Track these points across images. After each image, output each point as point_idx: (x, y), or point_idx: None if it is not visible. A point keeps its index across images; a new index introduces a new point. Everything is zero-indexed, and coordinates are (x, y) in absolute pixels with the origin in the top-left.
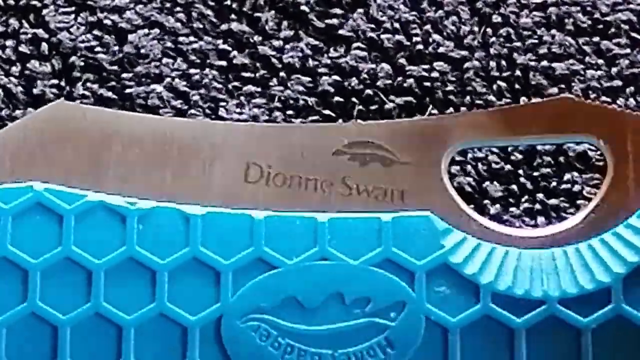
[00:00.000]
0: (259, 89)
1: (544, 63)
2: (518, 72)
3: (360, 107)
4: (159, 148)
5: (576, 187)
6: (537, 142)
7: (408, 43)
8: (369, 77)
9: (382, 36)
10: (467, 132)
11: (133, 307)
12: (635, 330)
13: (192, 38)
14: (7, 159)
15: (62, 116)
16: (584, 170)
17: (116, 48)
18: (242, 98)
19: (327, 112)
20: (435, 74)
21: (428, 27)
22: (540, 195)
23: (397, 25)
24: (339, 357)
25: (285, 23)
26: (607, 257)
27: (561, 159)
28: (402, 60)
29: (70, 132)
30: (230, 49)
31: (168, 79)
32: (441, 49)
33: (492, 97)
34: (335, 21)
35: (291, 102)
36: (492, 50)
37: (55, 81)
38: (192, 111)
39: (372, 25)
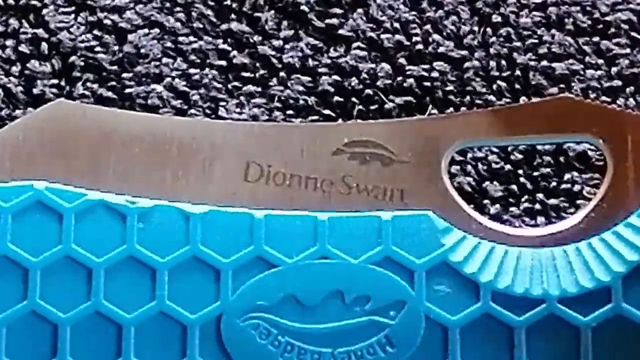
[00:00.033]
0: (258, 89)
1: (544, 63)
2: (518, 72)
3: (360, 107)
4: (158, 147)
5: (576, 187)
6: (537, 142)
7: (408, 43)
8: (368, 77)
9: (382, 36)
10: (467, 131)
11: (133, 306)
12: (635, 329)
13: (192, 38)
14: (7, 159)
15: (62, 115)
16: (583, 170)
17: (116, 48)
18: (242, 98)
19: (327, 111)
20: (435, 74)
21: (428, 27)
22: (540, 195)
23: (397, 25)
24: (338, 356)
25: (285, 23)
26: (607, 256)
27: (561, 158)
28: (402, 60)
29: (70, 132)
30: (230, 48)
31: (168, 79)
32: (441, 49)
33: (492, 97)
34: (335, 21)
35: (291, 102)
36: (492, 50)
37: (55, 81)
38: (192, 111)
39: (372, 25)
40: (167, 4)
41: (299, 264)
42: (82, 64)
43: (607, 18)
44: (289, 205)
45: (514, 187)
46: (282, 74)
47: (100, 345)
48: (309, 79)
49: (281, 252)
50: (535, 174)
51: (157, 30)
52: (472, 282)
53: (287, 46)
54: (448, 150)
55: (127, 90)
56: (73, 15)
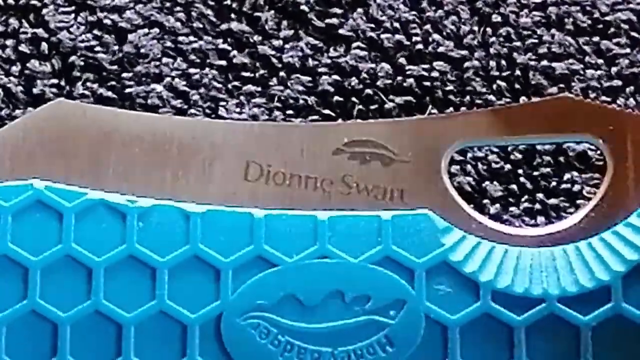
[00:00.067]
0: (258, 89)
1: (544, 63)
2: (518, 72)
3: (360, 106)
4: (158, 147)
5: (576, 187)
6: (537, 142)
7: (408, 43)
8: (368, 76)
9: (382, 36)
10: (467, 131)
11: (133, 305)
12: (634, 328)
13: (191, 38)
14: (7, 158)
15: (62, 115)
16: (583, 170)
17: (116, 48)
18: (241, 98)
19: (327, 111)
20: (435, 74)
21: (428, 26)
22: (540, 195)
23: (397, 24)
24: (338, 355)
25: (285, 23)
26: (607, 255)
27: (561, 158)
28: (402, 60)
29: (70, 131)
30: (230, 48)
31: (168, 79)
32: (441, 49)
33: (491, 97)
34: (335, 21)
35: (291, 101)
36: (491, 50)
37: (55, 81)
38: (192, 111)
39: (372, 25)
40: (167, 4)
41: (299, 263)
42: (82, 63)
43: (607, 18)
44: (289, 205)
45: (514, 186)
46: (282, 73)
47: (100, 344)
48: (309, 78)
49: (281, 252)
50: (535, 173)
51: (157, 30)
52: (472, 281)
53: (287, 46)
54: (448, 150)
55: (127, 90)
56: (73, 15)
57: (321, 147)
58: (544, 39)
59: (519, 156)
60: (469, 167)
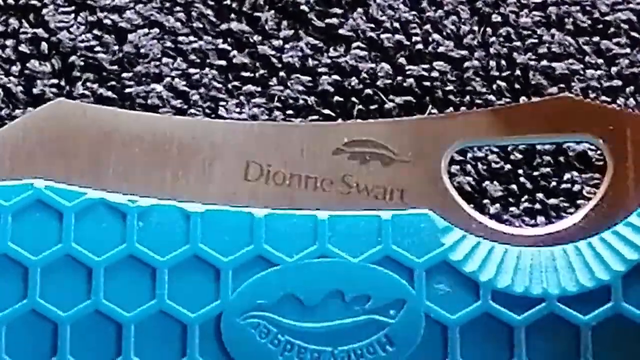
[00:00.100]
0: (258, 89)
1: (544, 62)
2: (518, 72)
3: (360, 106)
4: (158, 147)
5: (576, 187)
6: (537, 142)
7: (408, 43)
8: (368, 76)
9: (382, 36)
10: (467, 131)
11: (133, 304)
12: (634, 328)
13: (191, 37)
14: (7, 158)
15: (62, 114)
16: (583, 169)
17: (116, 47)
18: (241, 97)
19: (326, 111)
20: (435, 74)
21: (428, 26)
22: (540, 195)
23: (396, 24)
24: (338, 355)
25: (285, 22)
26: (607, 255)
27: (561, 158)
28: (402, 60)
29: (70, 131)
30: (230, 48)
31: (168, 79)
32: (441, 49)
33: (491, 97)
34: (335, 21)
35: (291, 101)
36: (491, 50)
37: (55, 81)
38: (192, 111)
39: (372, 25)
40: (167, 4)
41: (299, 262)
42: (82, 63)
43: (607, 18)
44: (289, 204)
45: (514, 186)
46: (282, 73)
47: (100, 344)
48: (308, 78)
49: (281, 251)
50: (535, 173)
51: (157, 30)
52: (472, 281)
53: (287, 46)
54: (448, 149)
55: (127, 90)
56: (73, 15)
57: (321, 147)
58: (544, 39)
59: (519, 156)
60: (469, 167)
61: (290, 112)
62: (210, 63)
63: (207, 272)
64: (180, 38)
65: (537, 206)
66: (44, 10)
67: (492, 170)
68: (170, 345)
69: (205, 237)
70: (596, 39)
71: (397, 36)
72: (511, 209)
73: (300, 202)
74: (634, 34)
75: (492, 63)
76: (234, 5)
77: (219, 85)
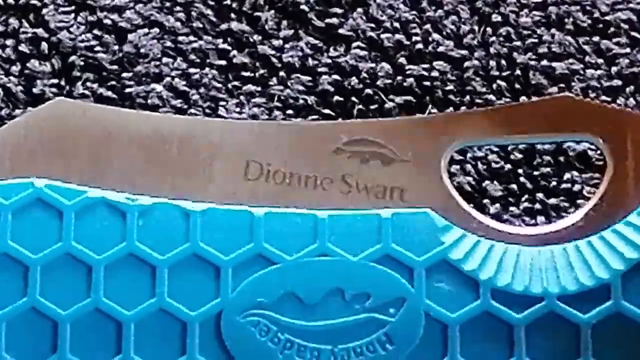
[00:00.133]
0: (258, 89)
1: (544, 62)
2: (518, 72)
3: (360, 106)
4: (159, 145)
5: (576, 187)
6: (537, 141)
7: (408, 42)
8: (368, 76)
9: (382, 35)
10: (467, 130)
11: (133, 303)
12: (634, 326)
13: (191, 37)
14: (7, 157)
15: (62, 114)
16: (583, 169)
17: (116, 47)
18: (241, 97)
19: (326, 111)
20: (435, 74)
21: (428, 26)
22: (540, 195)
23: (396, 24)
24: (338, 353)
25: (285, 22)
26: (607, 253)
27: (561, 158)
28: (402, 60)
29: (70, 130)
30: (229, 48)
31: (168, 79)
32: (441, 48)
33: (492, 97)
34: (335, 20)
35: (291, 101)
36: (492, 50)
37: (55, 80)
38: (192, 110)
39: (372, 25)
40: (167, 4)
41: (299, 261)
42: (82, 63)
43: (607, 17)
44: (289, 203)
45: (514, 186)
46: (281, 73)
47: (100, 342)
48: (308, 78)
49: (281, 250)
50: (535, 173)
51: (157, 29)
52: (471, 279)
53: (287, 46)
54: (448, 149)
55: (127, 90)
56: (73, 15)
57: (321, 146)
58: (544, 38)
59: (519, 156)
60: (468, 166)
61: (290, 111)
62: (210, 63)
63: (207, 270)
64: (180, 38)
65: (537, 206)
66: (44, 10)
67: (492, 170)
68: (170, 344)
69: (205, 235)
70: (596, 38)
71: (397, 36)
72: (511, 208)
73: (300, 202)
74: (634, 33)
75: (492, 63)
76: (234, 5)
77: (219, 85)
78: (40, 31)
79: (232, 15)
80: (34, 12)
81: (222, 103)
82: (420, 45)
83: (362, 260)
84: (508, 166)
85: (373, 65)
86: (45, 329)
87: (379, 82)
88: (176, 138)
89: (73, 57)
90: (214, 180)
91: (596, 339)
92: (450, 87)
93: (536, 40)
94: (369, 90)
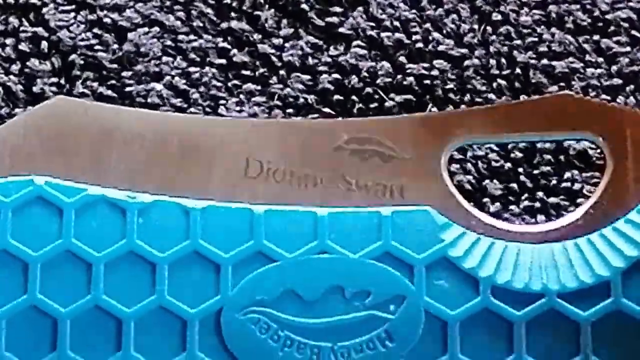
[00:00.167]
0: (258, 87)
1: (544, 61)
2: (518, 70)
3: (360, 105)
4: (159, 143)
5: (576, 186)
6: (536, 139)
7: (408, 41)
8: (368, 75)
9: (382, 34)
10: (467, 128)
11: (133, 300)
12: (634, 323)
13: (191, 36)
14: (7, 155)
15: (62, 112)
16: (584, 168)
17: (116, 46)
18: (241, 96)
19: (327, 110)
20: (435, 72)
21: (428, 25)
22: (540, 194)
23: (397, 23)
24: (338, 350)
25: (285, 21)
26: (607, 251)
27: (561, 157)
28: (402, 59)
29: (70, 129)
30: (230, 47)
31: (168, 77)
32: (441, 47)
33: (492, 95)
34: (335, 19)
35: (291, 100)
36: (492, 49)
37: (55, 79)
38: (192, 109)
39: (372, 24)
40: (167, 3)
41: (299, 259)
42: (82, 62)
43: (607, 16)
44: (289, 201)
45: (514, 185)
46: (282, 72)
47: (100, 339)
48: (308, 77)
49: (281, 247)
50: (535, 172)
51: (157, 28)
52: (471, 277)
53: (287, 44)
54: (448, 146)
55: (127, 89)
56: (73, 14)
57: (321, 144)
58: (544, 37)
59: (519, 155)
60: (469, 165)
61: (290, 110)
62: (210, 62)
63: (207, 267)
64: (180, 37)
65: (538, 205)
66: (44, 9)
67: (492, 169)
68: (170, 341)
69: (205, 233)
70: (596, 37)
71: (397, 35)
72: (511, 207)
73: (300, 199)
74: (634, 32)
75: (493, 62)
76: (234, 4)
77: (219, 84)
78: (40, 30)
79: (232, 14)
80: (34, 11)
81: (222, 102)
82: (420, 44)
83: (362, 257)
84: (508, 165)
85: (373, 64)
86: (46, 326)
87: (379, 81)
88: (176, 136)
89: (73, 56)
90: (214, 179)
91: (596, 336)
92: (450, 85)
93: (536, 39)
94: (369, 89)
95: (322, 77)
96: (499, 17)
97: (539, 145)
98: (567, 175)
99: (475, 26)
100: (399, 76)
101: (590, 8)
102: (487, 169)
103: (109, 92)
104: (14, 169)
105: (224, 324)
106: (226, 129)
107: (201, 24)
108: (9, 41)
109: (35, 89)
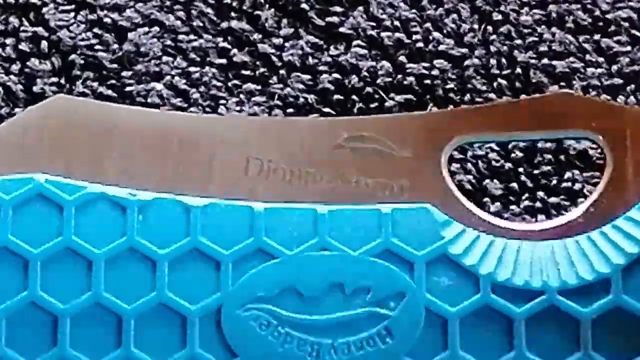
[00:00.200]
0: (258, 87)
1: (545, 61)
2: (518, 70)
3: (361, 104)
4: (159, 142)
5: (577, 185)
6: (536, 138)
7: (408, 41)
8: (369, 74)
9: (382, 34)
10: (467, 126)
11: (133, 297)
12: (634, 320)
13: (192, 36)
14: (8, 154)
15: (62, 110)
16: (584, 168)
17: (116, 46)
18: (241, 96)
19: (327, 109)
20: (435, 72)
21: (428, 24)
22: (540, 193)
23: (397, 23)
24: (338, 347)
25: (285, 21)
26: (607, 248)
27: (562, 157)
28: (402, 58)
29: (71, 127)
30: (230, 47)
31: (168, 77)
32: (441, 47)
33: (492, 95)
34: (335, 19)
35: (291, 99)
36: (492, 48)
37: (55, 79)
38: (192, 109)
39: (372, 23)
40: (167, 3)
41: (299, 255)
42: (82, 62)
43: (607, 16)
44: (289, 199)
45: (515, 185)
46: (282, 72)
47: (101, 336)
48: (309, 77)
49: (281, 244)
50: (536, 172)
51: (157, 28)
52: (472, 274)
53: (287, 44)
54: (448, 145)
55: (127, 89)
56: (73, 14)
57: (321, 143)
58: (544, 37)
59: (520, 154)
60: (469, 165)
61: (290, 110)
62: (210, 61)
63: (208, 264)
64: (181, 36)
65: (538, 204)
66: (44, 9)
67: (492, 169)
68: (170, 337)
69: (206, 230)
70: (597, 37)
71: (398, 34)
72: (512, 207)
73: (300, 198)
74: (634, 32)
75: (493, 61)
76: (234, 3)
77: (219, 84)
78: (40, 30)
79: (233, 14)
80: (34, 11)
81: (222, 102)
82: (420, 44)
83: (363, 254)
84: (508, 165)
85: (373, 63)
86: (46, 323)
87: (379, 81)
88: (177, 135)
89: (73, 56)
90: (214, 177)
91: (596, 332)
92: (450, 85)
93: (537, 39)
94: (369, 89)
95: (322, 77)
96: (499, 17)
97: (539, 144)
98: (568, 175)
99: (476, 26)
100: (399, 76)
101: (591, 8)
102: (487, 169)
103: (109, 92)
104: (15, 165)
105: (224, 321)
106: (226, 128)
107: (201, 24)
108: (9, 41)
109: (35, 88)
